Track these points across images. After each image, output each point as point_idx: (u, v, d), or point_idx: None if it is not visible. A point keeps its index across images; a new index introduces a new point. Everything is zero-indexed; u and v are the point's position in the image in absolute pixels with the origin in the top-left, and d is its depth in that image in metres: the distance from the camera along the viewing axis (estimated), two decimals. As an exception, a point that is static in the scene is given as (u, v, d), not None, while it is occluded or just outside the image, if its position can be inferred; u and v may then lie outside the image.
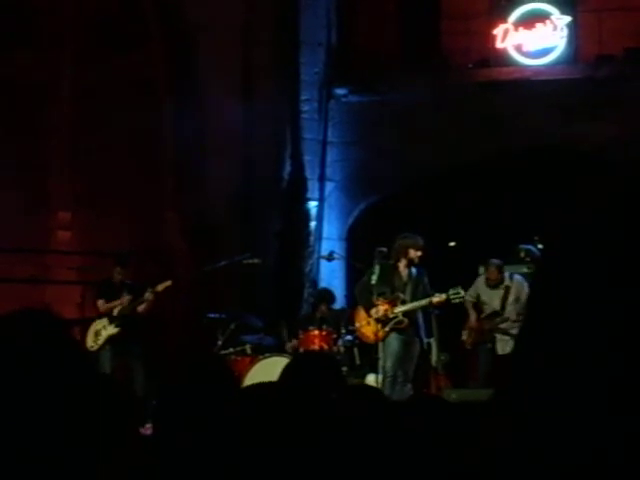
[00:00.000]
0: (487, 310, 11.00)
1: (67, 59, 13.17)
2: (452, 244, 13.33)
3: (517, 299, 10.68)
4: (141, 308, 10.72)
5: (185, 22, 13.30)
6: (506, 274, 10.92)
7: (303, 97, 13.98)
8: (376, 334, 9.88)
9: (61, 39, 13.18)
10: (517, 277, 10.92)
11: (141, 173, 12.91)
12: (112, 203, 12.81)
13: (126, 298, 10.72)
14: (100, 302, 10.94)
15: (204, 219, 12.95)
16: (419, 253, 9.89)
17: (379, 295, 9.88)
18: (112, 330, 10.67)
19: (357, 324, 10.28)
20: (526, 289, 10.56)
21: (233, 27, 13.39)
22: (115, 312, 10.75)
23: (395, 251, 9.94)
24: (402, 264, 9.90)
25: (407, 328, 9.83)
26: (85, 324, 11.56)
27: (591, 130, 12.79)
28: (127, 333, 10.64)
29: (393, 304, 9.83)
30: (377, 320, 9.82)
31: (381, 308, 9.80)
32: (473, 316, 11.06)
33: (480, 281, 11.13)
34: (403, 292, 9.88)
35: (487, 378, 10.65)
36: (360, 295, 10.26)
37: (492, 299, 10.95)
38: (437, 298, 9.82)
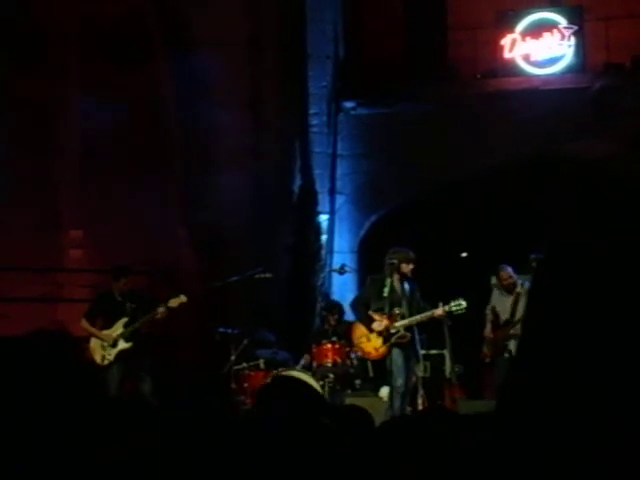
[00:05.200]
0: (502, 319, 10.97)
1: (76, 78, 13.22)
2: (464, 255, 13.31)
3: None
4: (157, 318, 10.56)
5: (191, 39, 13.34)
6: (519, 281, 10.90)
7: (312, 111, 13.99)
8: (377, 349, 9.88)
9: (69, 58, 13.24)
10: (528, 284, 10.88)
11: (151, 190, 12.94)
12: (123, 220, 12.82)
13: (121, 323, 10.60)
14: (84, 321, 10.74)
15: (215, 235, 12.96)
16: (411, 266, 9.88)
17: (376, 310, 9.87)
18: (124, 345, 10.58)
19: (356, 341, 10.22)
20: None
21: (239, 42, 13.43)
22: (120, 328, 10.60)
23: (387, 266, 9.91)
24: (395, 278, 9.88)
25: (408, 343, 9.83)
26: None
27: (598, 140, 12.77)
28: (137, 348, 10.56)
29: (393, 319, 9.81)
30: (379, 334, 9.82)
31: (382, 322, 9.79)
32: (488, 328, 11.03)
33: (494, 293, 11.12)
34: (399, 306, 9.87)
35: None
36: (358, 310, 10.24)
37: (505, 307, 10.93)
38: (439, 310, 9.83)
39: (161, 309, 10.47)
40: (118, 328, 10.58)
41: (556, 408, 1.11)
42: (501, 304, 10.98)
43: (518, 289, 10.85)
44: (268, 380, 10.29)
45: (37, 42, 12.99)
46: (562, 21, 13.68)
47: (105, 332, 10.61)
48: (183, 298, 10.53)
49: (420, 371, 10.44)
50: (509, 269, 10.95)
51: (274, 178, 13.60)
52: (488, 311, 11.07)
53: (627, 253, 1.15)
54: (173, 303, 10.50)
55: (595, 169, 12.45)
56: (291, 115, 13.86)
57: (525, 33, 13.79)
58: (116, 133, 12.91)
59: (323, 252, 13.75)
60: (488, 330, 11.03)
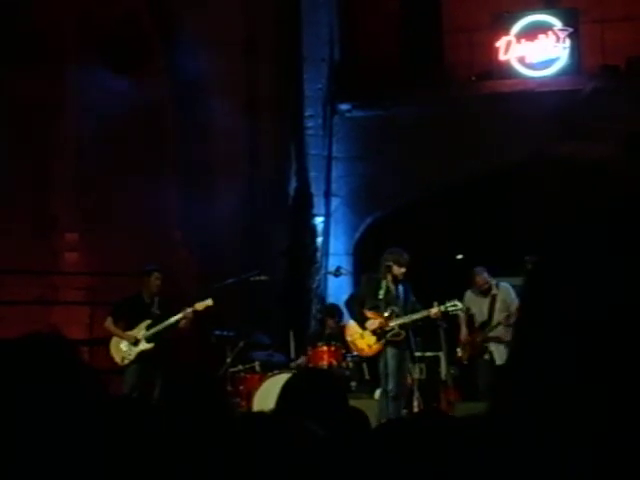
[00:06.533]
0: (478, 321, 10.97)
1: (73, 79, 13.21)
2: (459, 257, 13.30)
3: (505, 306, 10.64)
4: (182, 324, 10.57)
5: (187, 40, 13.34)
6: (493, 282, 10.90)
7: (307, 113, 14.01)
8: (371, 347, 9.92)
9: (65, 59, 13.23)
10: (503, 284, 10.90)
11: (147, 192, 12.93)
12: (119, 223, 12.82)
13: (144, 324, 10.61)
14: (109, 321, 10.83)
15: (211, 237, 12.96)
16: (402, 270, 9.89)
17: (371, 309, 9.91)
18: (145, 346, 10.59)
19: (349, 338, 10.27)
20: (512, 294, 10.57)
21: (235, 44, 13.44)
22: (142, 330, 10.61)
23: (381, 266, 9.95)
24: (389, 280, 9.91)
25: (402, 342, 9.85)
26: (93, 345, 11.54)
27: (593, 143, 12.78)
28: (158, 351, 10.56)
29: (388, 318, 9.84)
30: (373, 332, 9.85)
31: (376, 321, 9.82)
32: (464, 330, 11.04)
33: (468, 294, 11.09)
34: (394, 306, 9.90)
35: (489, 390, 10.59)
36: (352, 309, 10.28)
37: (481, 309, 10.92)
38: (434, 310, 9.84)
39: (188, 310, 10.46)
40: (141, 329, 10.61)
41: (549, 413, 1.11)
42: (477, 306, 10.97)
43: (494, 291, 10.85)
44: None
45: (35, 42, 12.98)
46: (557, 23, 13.69)
47: (128, 333, 10.64)
48: (209, 302, 10.52)
49: (416, 373, 10.46)
50: (485, 274, 10.95)
51: (269, 180, 13.61)
52: (461, 313, 11.04)
53: (625, 254, 1.14)
54: (199, 306, 10.49)
55: (592, 170, 12.46)
56: (286, 117, 13.87)
57: (520, 35, 13.81)
58: (113, 134, 12.90)
59: (318, 254, 13.75)
60: (464, 333, 11.03)
